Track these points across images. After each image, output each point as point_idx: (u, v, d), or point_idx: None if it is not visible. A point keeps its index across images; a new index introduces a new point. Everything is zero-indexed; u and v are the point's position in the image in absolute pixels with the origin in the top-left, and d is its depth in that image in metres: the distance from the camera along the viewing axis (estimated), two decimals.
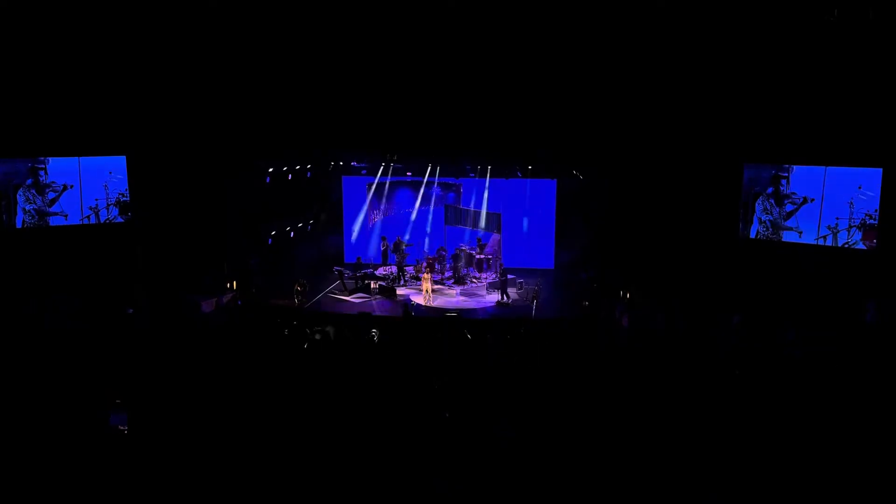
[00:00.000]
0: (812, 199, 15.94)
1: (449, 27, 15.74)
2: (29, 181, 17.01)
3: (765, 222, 16.64)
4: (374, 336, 13.68)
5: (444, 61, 16.43)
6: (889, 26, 13.74)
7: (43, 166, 17.18)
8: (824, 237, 15.94)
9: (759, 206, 16.67)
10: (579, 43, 15.80)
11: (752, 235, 16.88)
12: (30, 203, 17.19)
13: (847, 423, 9.17)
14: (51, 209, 17.41)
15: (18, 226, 16.94)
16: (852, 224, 15.55)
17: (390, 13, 15.47)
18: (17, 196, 16.96)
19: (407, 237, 21.55)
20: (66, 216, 17.62)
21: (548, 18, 15.49)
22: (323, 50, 16.50)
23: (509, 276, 19.12)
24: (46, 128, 16.83)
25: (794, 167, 16.22)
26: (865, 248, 15.41)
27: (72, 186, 17.60)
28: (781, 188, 16.36)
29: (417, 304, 17.93)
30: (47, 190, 17.36)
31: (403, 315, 16.16)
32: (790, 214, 16.31)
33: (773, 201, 16.44)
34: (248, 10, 15.67)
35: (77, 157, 17.59)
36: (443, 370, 11.85)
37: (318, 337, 13.75)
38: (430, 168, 21.18)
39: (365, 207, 22.34)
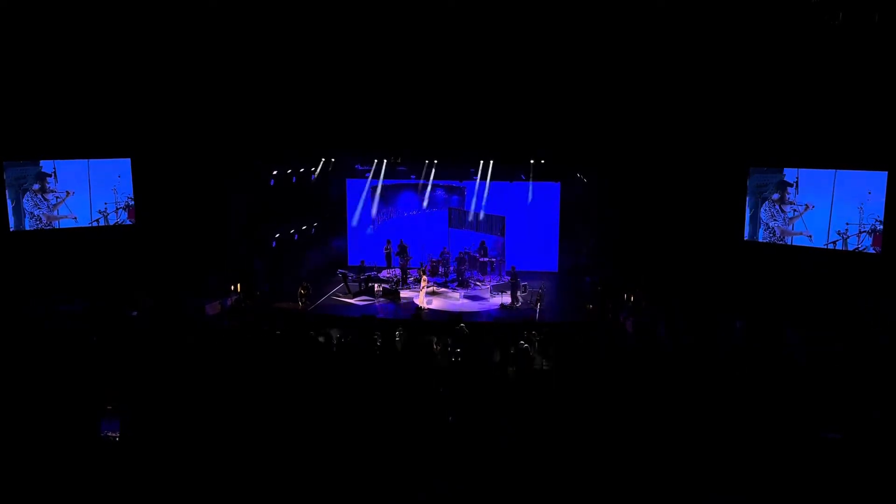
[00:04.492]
0: (812, 206, 15.86)
1: (453, 31, 15.77)
2: (35, 186, 17.14)
3: (772, 229, 16.56)
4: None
5: (448, 64, 16.46)
6: (894, 29, 13.68)
7: (50, 172, 17.31)
8: (834, 242, 15.84)
9: (764, 212, 16.60)
10: (585, 47, 15.80)
11: (760, 239, 16.81)
12: (38, 209, 17.31)
13: (848, 424, 9.14)
14: (57, 213, 17.53)
15: (22, 228, 17.06)
16: (862, 230, 15.47)
17: (394, 16, 15.51)
18: (24, 201, 17.11)
19: (410, 240, 21.54)
20: (75, 218, 17.75)
21: (553, 21, 15.49)
22: (326, 55, 16.55)
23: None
24: (53, 131, 16.95)
25: (800, 172, 16.15)
26: (874, 252, 15.34)
27: (73, 193, 17.73)
28: (788, 195, 16.28)
29: (420, 306, 17.88)
30: (51, 195, 17.48)
31: (413, 318, 16.20)
32: (793, 220, 16.24)
33: (778, 207, 16.37)
34: (252, 14, 15.74)
35: (85, 160, 17.72)
36: (447, 373, 11.85)
37: (321, 340, 13.78)
38: (434, 171, 21.18)
39: (370, 210, 22.35)
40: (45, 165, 17.34)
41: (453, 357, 13.15)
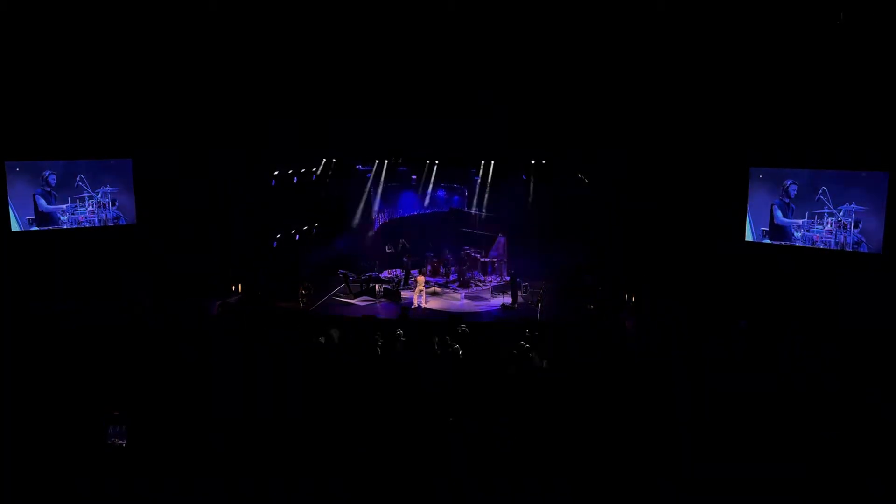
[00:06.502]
0: (828, 212, 15.76)
1: (454, 31, 15.80)
2: (38, 191, 17.17)
3: (778, 228, 16.50)
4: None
5: (450, 64, 16.47)
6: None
7: (54, 172, 17.32)
8: (838, 242, 15.77)
9: (776, 211, 16.53)
10: (585, 46, 15.81)
11: (761, 239, 16.77)
12: (41, 207, 17.33)
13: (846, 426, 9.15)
14: (61, 214, 17.56)
15: (28, 228, 17.09)
16: (858, 227, 15.42)
17: (392, 17, 15.55)
18: (37, 199, 17.14)
19: (411, 240, 21.53)
20: (76, 217, 17.80)
21: (555, 21, 15.51)
22: (329, 54, 16.56)
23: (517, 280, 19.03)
24: (53, 131, 16.96)
25: (803, 173, 16.11)
26: (868, 251, 15.32)
27: (90, 197, 17.78)
28: (791, 196, 16.23)
29: (414, 305, 17.83)
30: (53, 196, 17.49)
31: (400, 317, 16.19)
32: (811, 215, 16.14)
33: (785, 207, 16.31)
34: (255, 13, 15.77)
35: (85, 160, 17.72)
36: (447, 374, 11.85)
37: (322, 340, 13.77)
38: (434, 171, 21.18)
39: (370, 210, 22.33)
40: (45, 165, 17.37)
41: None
